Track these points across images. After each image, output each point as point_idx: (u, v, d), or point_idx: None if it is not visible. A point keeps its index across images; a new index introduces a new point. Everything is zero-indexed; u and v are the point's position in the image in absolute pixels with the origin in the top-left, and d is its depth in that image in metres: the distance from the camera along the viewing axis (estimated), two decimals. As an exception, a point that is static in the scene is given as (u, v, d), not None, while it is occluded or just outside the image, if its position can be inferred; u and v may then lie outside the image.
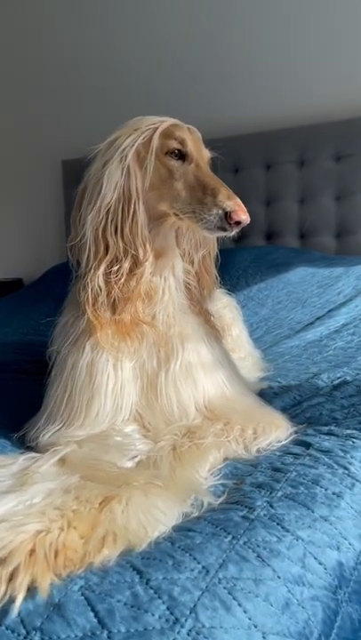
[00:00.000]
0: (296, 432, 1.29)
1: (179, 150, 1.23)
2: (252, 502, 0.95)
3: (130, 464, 1.09)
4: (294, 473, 1.05)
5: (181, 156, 1.24)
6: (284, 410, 1.54)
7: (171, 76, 3.29)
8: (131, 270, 1.24)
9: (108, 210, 1.22)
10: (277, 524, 0.88)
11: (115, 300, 1.24)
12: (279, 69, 3.08)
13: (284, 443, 1.24)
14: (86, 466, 1.05)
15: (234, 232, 1.21)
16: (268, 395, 1.65)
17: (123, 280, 1.23)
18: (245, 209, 1.19)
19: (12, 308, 3.15)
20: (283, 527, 0.87)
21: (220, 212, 1.16)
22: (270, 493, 0.98)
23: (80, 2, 3.66)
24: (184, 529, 0.88)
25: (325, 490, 0.99)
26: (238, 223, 1.16)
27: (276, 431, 1.25)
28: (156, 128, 1.24)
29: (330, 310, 2.42)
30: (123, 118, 1.32)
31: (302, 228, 3.02)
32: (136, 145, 1.23)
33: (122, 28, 3.50)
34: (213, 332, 1.42)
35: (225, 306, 1.92)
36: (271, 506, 0.93)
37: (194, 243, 1.39)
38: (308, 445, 1.20)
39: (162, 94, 3.27)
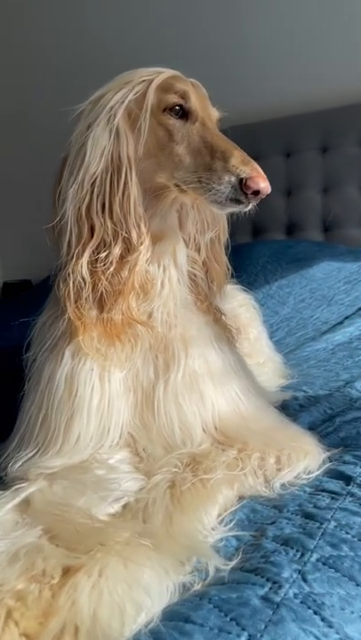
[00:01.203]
0: (330, 459, 1.00)
1: (180, 106, 0.96)
2: (278, 572, 0.66)
3: (113, 509, 0.81)
4: (333, 523, 0.76)
5: (184, 113, 0.96)
6: (312, 427, 1.24)
7: (182, 61, 3.01)
8: (122, 257, 0.97)
9: (94, 182, 0.95)
10: (315, 612, 0.59)
11: (102, 294, 0.97)
12: (297, 50, 2.77)
13: (315, 474, 0.94)
14: (53, 514, 0.77)
15: (251, 205, 0.93)
16: (292, 407, 1.36)
17: (112, 269, 0.95)
18: (265, 175, 0.91)
19: (17, 311, 2.89)
20: (323, 618, 0.58)
21: (234, 179, 0.89)
22: (302, 556, 0.69)
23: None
24: (179, 617, 0.60)
25: (379, 552, 0.70)
26: (257, 193, 0.89)
27: (305, 459, 0.96)
28: (152, 80, 0.97)
29: (360, 309, 2.11)
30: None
31: (326, 220, 2.71)
32: (127, 101, 0.96)
33: (130, 9, 3.22)
34: (225, 333, 1.14)
35: (241, 304, 1.63)
36: (304, 579, 0.64)
37: (200, 224, 1.11)
38: (348, 479, 0.90)
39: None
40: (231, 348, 1.13)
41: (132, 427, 1.00)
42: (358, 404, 1.33)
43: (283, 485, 0.91)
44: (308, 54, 2.74)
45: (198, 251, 1.11)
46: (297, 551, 0.70)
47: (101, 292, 0.96)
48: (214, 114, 1.01)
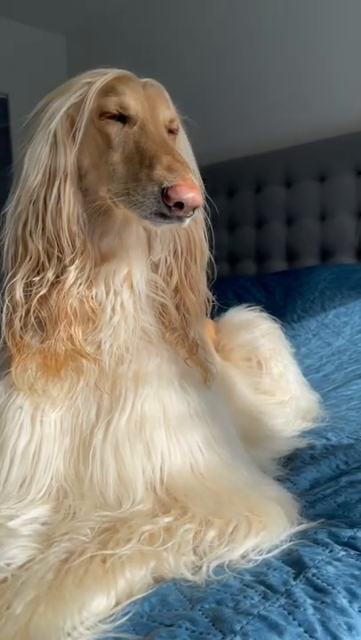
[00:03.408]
0: (301, 535, 0.78)
1: (118, 110, 0.82)
2: None
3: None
4: (238, 639, 0.55)
5: (122, 117, 0.82)
6: (313, 486, 1.02)
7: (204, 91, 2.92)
8: (57, 279, 0.83)
9: (31, 197, 0.83)
10: None
11: (40, 321, 0.84)
12: (327, 74, 2.59)
13: (267, 556, 0.73)
14: None
15: (185, 221, 0.77)
16: (301, 458, 1.14)
17: (43, 293, 0.82)
18: (194, 183, 0.73)
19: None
20: None
21: (156, 189, 0.73)
22: None
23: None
24: None
25: None
26: (180, 206, 0.72)
27: (258, 535, 0.74)
28: (94, 83, 0.84)
29: None
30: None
31: None
32: (66, 107, 0.84)
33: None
34: (200, 370, 0.95)
35: (264, 334, 1.42)
36: None
37: (172, 245, 0.94)
38: (300, 569, 0.68)
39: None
40: (201, 390, 0.94)
41: (65, 478, 0.84)
42: (379, 459, 1.08)
43: (220, 567, 0.71)
44: (336, 78, 2.57)
45: (170, 275, 0.94)
46: None
47: (38, 318, 0.84)
48: (165, 116, 0.85)
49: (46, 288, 0.83)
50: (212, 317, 1.26)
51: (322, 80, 2.62)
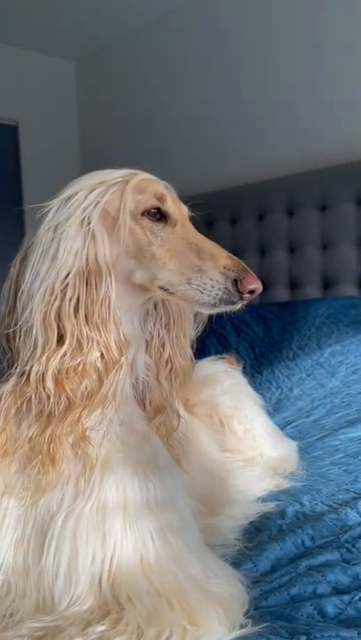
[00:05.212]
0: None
1: (157, 209, 0.88)
2: None
3: None
4: None
5: (161, 216, 0.88)
6: (275, 567, 1.00)
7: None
8: (95, 366, 0.83)
9: (66, 285, 0.83)
10: None
11: (57, 407, 0.82)
12: (331, 103, 2.57)
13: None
14: None
15: (241, 304, 0.87)
16: (268, 531, 1.11)
17: (88, 381, 0.82)
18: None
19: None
20: None
21: (226, 279, 0.84)
22: None
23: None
24: None
25: None
26: (252, 292, 0.85)
27: (191, 646, 0.73)
28: (128, 181, 0.88)
29: None
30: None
31: None
32: (102, 203, 0.86)
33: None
34: (170, 451, 0.95)
35: (225, 391, 1.40)
36: None
37: (166, 320, 0.96)
38: None
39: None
40: (163, 476, 0.92)
41: (11, 569, 0.84)
42: (345, 538, 1.05)
43: None
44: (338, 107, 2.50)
45: (163, 347, 0.96)
46: None
47: (61, 404, 0.81)
48: (185, 212, 0.93)
49: (86, 378, 0.82)
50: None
51: (325, 109, 2.59)
